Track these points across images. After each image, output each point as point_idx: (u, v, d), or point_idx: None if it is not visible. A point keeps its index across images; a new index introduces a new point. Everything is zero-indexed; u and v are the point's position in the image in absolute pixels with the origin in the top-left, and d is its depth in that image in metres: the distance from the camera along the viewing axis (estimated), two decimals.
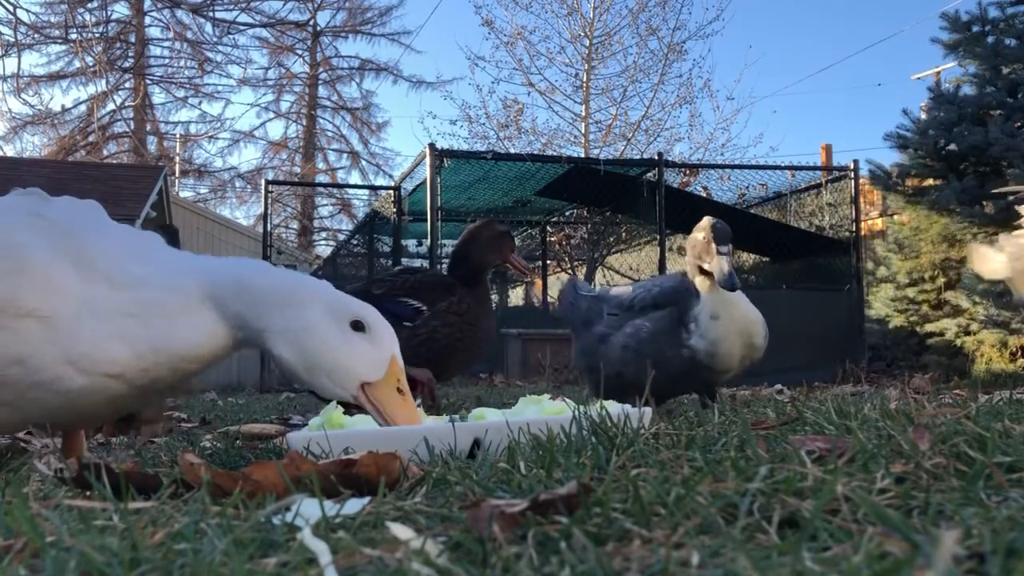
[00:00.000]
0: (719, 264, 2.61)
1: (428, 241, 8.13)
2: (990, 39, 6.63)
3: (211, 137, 28.02)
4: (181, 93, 27.62)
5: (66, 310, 1.50)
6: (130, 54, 26.38)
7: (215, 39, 26.49)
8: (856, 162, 8.53)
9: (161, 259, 1.65)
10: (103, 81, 23.88)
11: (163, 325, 1.54)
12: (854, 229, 8.37)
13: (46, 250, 1.54)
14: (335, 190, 26.73)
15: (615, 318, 2.92)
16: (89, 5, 24.53)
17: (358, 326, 1.55)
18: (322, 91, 29.67)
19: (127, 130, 26.87)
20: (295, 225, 27.29)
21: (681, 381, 2.69)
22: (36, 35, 21.06)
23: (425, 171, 7.98)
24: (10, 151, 24.56)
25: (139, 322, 1.53)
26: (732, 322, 2.70)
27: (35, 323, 1.48)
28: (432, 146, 7.88)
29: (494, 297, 14.40)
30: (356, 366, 1.54)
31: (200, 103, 27.95)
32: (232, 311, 1.56)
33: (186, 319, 1.56)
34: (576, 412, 1.47)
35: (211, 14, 25.18)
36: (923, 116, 6.88)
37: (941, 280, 6.56)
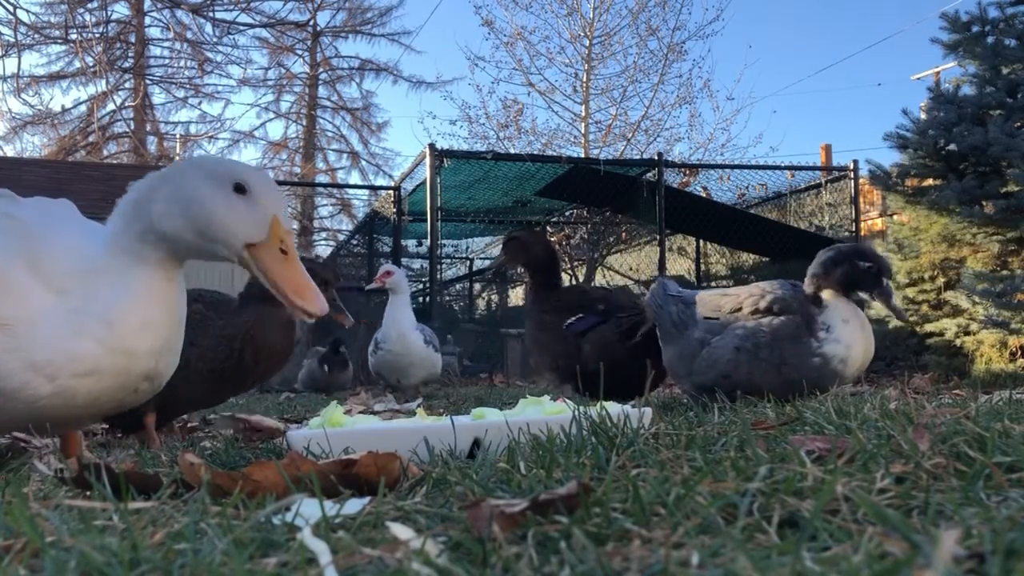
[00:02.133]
0: (890, 295, 2.82)
1: (428, 241, 8.12)
2: (990, 39, 6.62)
3: (211, 137, 27.99)
4: (181, 93, 27.62)
5: (23, 318, 1.49)
6: (130, 54, 26.36)
7: (215, 39, 26.47)
8: (856, 162, 8.54)
9: (86, 245, 1.63)
10: (103, 81, 23.87)
11: (107, 301, 1.53)
12: (854, 229, 8.38)
13: (5, 253, 1.53)
14: (335, 190, 26.73)
15: (714, 322, 2.93)
16: (89, 5, 24.51)
17: (239, 188, 1.55)
18: (322, 91, 29.66)
19: (127, 130, 26.85)
20: (295, 225, 27.29)
21: (798, 386, 2.71)
22: (36, 35, 21.05)
23: (425, 171, 7.97)
24: (10, 151, 24.57)
25: (87, 313, 1.52)
26: (861, 327, 2.81)
27: None
28: (432, 146, 7.88)
29: (493, 297, 14.41)
30: (237, 227, 1.53)
31: (200, 103, 27.96)
32: (141, 227, 1.57)
33: (123, 278, 1.55)
34: (576, 412, 1.47)
35: (211, 14, 25.16)
36: (923, 116, 6.87)
37: (941, 280, 6.56)
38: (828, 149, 12.53)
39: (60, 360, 1.50)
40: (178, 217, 1.54)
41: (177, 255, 1.61)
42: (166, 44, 27.54)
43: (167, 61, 27.71)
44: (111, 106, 25.90)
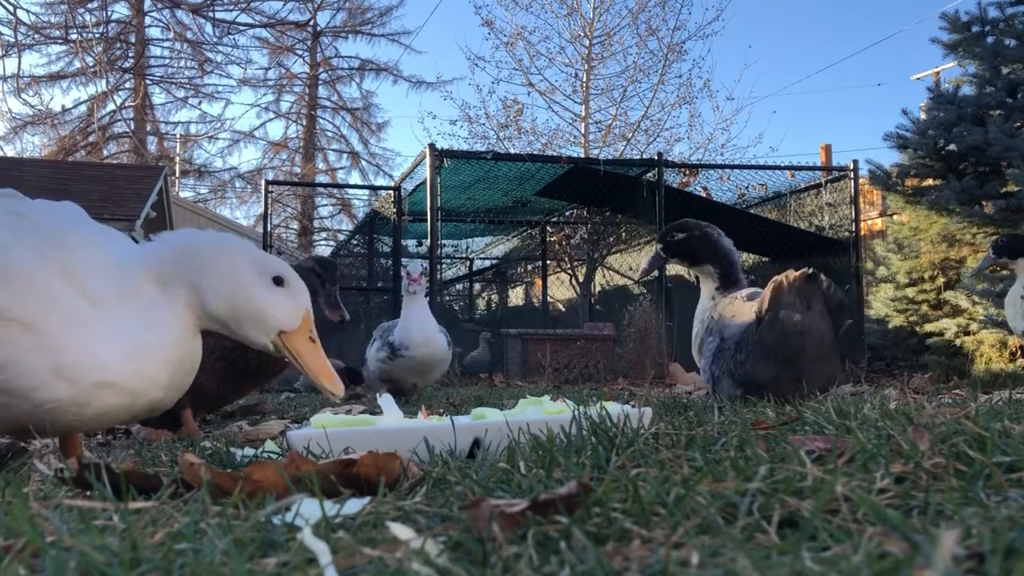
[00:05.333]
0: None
1: (428, 241, 8.12)
2: (990, 39, 6.63)
3: (211, 137, 28.02)
4: (181, 93, 27.62)
5: (53, 320, 1.50)
6: (130, 54, 26.36)
7: (215, 39, 26.49)
8: (855, 162, 8.53)
9: (122, 264, 1.67)
10: (103, 81, 23.89)
11: (146, 326, 1.58)
12: (854, 229, 8.37)
13: (33, 253, 1.54)
14: (335, 190, 26.72)
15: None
16: (89, 5, 24.51)
17: (279, 281, 1.70)
18: (322, 91, 29.67)
19: (127, 130, 26.84)
20: (295, 225, 27.29)
21: None
22: (36, 35, 21.07)
23: (425, 171, 7.97)
24: (10, 151, 24.56)
25: (125, 331, 1.56)
26: None
27: (19, 329, 1.48)
28: (432, 146, 7.88)
29: (493, 297, 14.41)
30: (276, 316, 1.68)
31: (200, 103, 27.96)
32: (176, 287, 1.65)
33: (164, 310, 1.62)
34: (576, 412, 1.47)
35: (211, 14, 25.17)
36: (923, 116, 6.88)
37: (941, 280, 6.56)
38: (828, 149, 12.51)
39: (86, 367, 1.51)
40: (225, 300, 1.66)
41: (203, 320, 1.70)
42: (166, 44, 27.57)
43: (167, 61, 27.73)
44: (111, 106, 25.93)
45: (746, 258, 9.82)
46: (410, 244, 11.02)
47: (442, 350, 4.54)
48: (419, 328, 4.47)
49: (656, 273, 8.82)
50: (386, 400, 1.75)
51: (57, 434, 1.70)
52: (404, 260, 9.68)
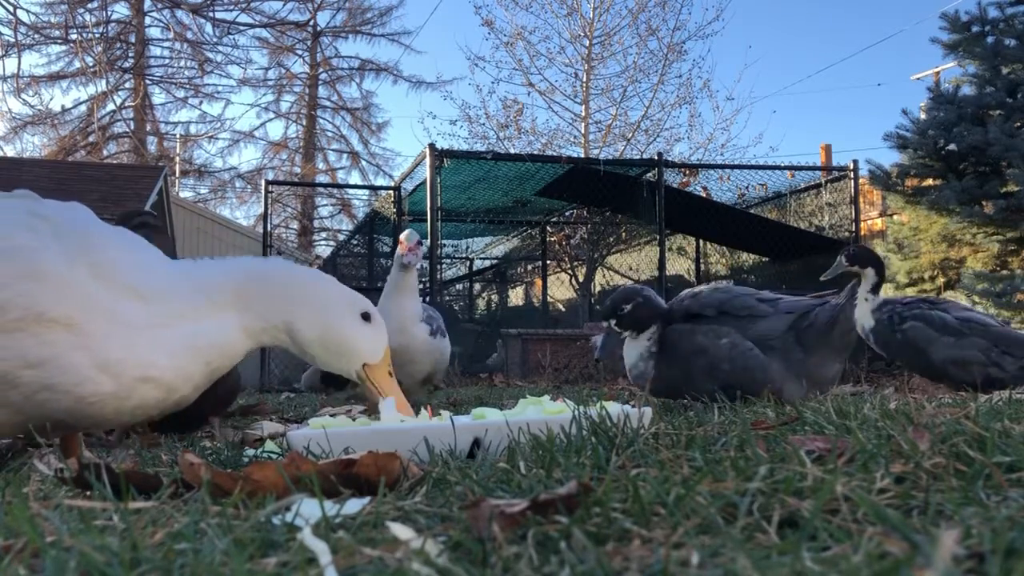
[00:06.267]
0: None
1: (428, 241, 8.12)
2: (990, 39, 6.63)
3: (211, 137, 28.00)
4: (181, 93, 27.60)
5: (93, 318, 1.52)
6: (130, 54, 26.35)
7: (215, 39, 26.49)
8: (855, 162, 8.53)
9: (177, 265, 1.74)
10: (103, 81, 23.90)
11: (196, 328, 1.63)
12: (854, 229, 8.37)
13: (61, 254, 1.55)
14: (335, 190, 26.71)
15: None
16: (89, 5, 24.52)
17: (366, 317, 1.81)
18: (322, 91, 29.66)
19: (127, 130, 26.82)
20: (295, 225, 27.30)
21: None
22: (36, 35, 21.09)
23: (425, 171, 7.97)
24: (10, 151, 24.54)
25: (173, 330, 1.60)
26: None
27: (61, 329, 1.50)
28: (432, 146, 7.88)
29: (493, 297, 14.41)
30: (364, 350, 1.81)
31: (200, 103, 27.94)
32: (260, 307, 1.73)
33: (217, 320, 1.67)
34: (576, 412, 1.47)
35: (211, 14, 25.19)
36: (923, 116, 6.88)
37: (941, 280, 6.57)
38: (828, 149, 12.51)
39: (130, 362, 1.54)
40: (319, 331, 1.77)
41: (277, 342, 1.78)
42: (166, 44, 27.55)
43: (167, 61, 27.71)
44: (111, 106, 25.91)
45: (746, 258, 9.82)
46: None
47: (419, 342, 3.67)
48: (397, 311, 3.61)
49: (656, 273, 8.82)
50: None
51: (91, 428, 1.72)
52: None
